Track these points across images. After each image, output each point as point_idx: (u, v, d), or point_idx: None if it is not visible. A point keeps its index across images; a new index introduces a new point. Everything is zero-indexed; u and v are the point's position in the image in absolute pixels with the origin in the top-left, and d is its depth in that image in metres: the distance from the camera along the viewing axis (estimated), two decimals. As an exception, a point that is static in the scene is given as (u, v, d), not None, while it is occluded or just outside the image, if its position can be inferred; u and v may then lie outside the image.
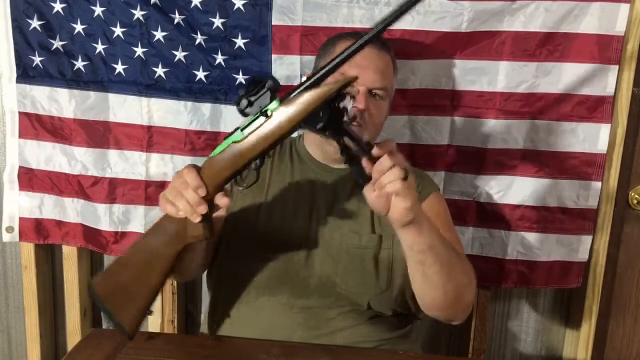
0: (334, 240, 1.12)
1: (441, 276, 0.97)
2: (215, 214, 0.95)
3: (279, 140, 0.89)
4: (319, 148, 1.18)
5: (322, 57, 1.19)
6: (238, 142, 0.89)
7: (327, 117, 0.87)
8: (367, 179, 0.88)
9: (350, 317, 1.10)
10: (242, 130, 0.89)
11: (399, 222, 0.90)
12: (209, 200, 0.91)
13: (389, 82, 1.16)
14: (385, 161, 0.85)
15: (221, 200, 0.92)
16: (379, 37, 1.03)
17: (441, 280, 0.97)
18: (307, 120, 0.86)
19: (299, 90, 0.87)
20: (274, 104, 0.87)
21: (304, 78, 0.90)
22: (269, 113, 0.87)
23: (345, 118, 0.88)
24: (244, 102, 0.88)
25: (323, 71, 0.86)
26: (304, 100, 0.85)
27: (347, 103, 0.88)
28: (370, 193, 0.88)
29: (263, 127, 0.88)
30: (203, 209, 0.90)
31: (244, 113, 0.89)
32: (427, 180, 1.23)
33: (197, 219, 0.90)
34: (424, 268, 0.96)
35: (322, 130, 0.88)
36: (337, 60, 0.86)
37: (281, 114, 0.87)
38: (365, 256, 1.11)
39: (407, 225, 0.91)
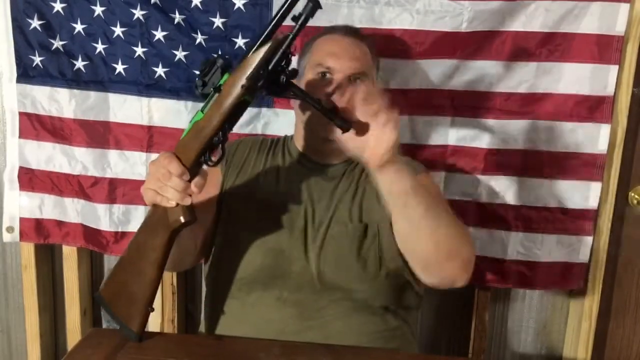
0: (321, 232, 1.13)
1: (428, 220, 0.96)
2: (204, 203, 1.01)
3: (235, 110, 0.92)
4: (308, 136, 1.19)
5: (302, 57, 1.21)
6: (199, 120, 0.93)
7: (266, 74, 0.90)
8: (348, 126, 0.95)
9: (341, 306, 1.10)
10: (202, 110, 0.93)
11: (379, 159, 0.93)
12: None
13: (367, 68, 1.17)
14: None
15: (197, 182, 0.94)
16: (354, 29, 1.13)
17: (429, 226, 0.97)
18: (252, 83, 0.89)
19: (243, 58, 0.91)
20: (225, 77, 0.91)
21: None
22: (221, 88, 0.91)
23: (282, 76, 0.92)
24: (199, 82, 0.93)
25: (263, 35, 0.91)
26: (245, 64, 0.90)
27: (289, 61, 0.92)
28: (347, 136, 0.94)
29: (216, 101, 0.92)
30: (190, 191, 0.93)
31: (202, 94, 0.93)
32: (417, 163, 1.25)
33: (189, 202, 0.93)
34: (409, 211, 0.96)
35: (265, 88, 0.92)
36: (274, 20, 0.91)
37: (230, 83, 0.91)
38: (352, 244, 1.12)
39: (386, 165, 0.94)
